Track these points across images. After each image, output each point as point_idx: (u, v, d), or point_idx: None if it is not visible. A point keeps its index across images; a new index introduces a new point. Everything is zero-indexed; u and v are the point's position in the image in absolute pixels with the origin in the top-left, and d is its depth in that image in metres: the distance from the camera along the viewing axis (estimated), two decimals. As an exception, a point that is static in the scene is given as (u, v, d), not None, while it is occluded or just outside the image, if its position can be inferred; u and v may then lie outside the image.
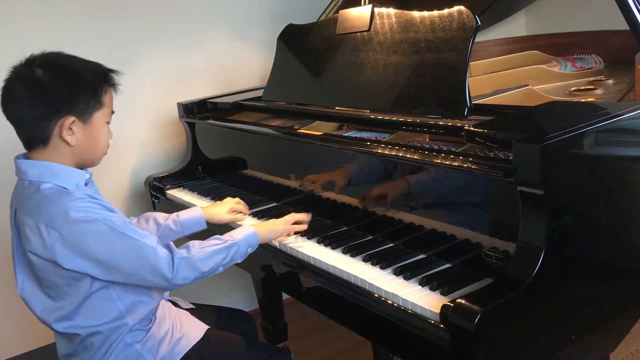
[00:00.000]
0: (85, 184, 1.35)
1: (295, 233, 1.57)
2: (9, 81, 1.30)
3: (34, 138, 1.30)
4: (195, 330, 1.49)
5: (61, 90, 1.28)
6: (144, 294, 1.40)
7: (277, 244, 1.56)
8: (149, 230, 1.62)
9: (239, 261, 1.45)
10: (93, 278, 1.29)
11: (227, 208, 1.74)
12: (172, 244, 1.36)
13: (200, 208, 1.71)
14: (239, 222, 1.72)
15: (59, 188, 1.29)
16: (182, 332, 1.46)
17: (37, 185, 1.29)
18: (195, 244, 1.38)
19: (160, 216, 1.66)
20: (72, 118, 1.29)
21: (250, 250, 1.47)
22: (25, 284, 1.34)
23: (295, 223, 1.56)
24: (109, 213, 1.28)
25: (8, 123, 1.33)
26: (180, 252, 1.35)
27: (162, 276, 1.30)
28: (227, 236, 1.45)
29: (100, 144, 1.37)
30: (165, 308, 1.49)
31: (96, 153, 1.37)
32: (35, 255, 1.26)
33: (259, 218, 1.76)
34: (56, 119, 1.28)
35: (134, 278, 1.31)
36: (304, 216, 1.57)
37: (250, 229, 1.49)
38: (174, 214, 1.67)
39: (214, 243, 1.41)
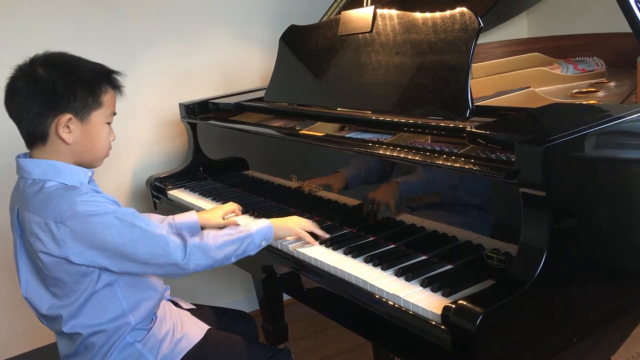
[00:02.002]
0: (88, 182, 1.35)
1: None
2: (13, 78, 1.31)
3: (33, 135, 1.31)
4: (195, 330, 1.49)
5: (58, 87, 1.28)
6: (147, 291, 1.41)
7: (278, 244, 1.56)
8: None
9: (252, 253, 1.45)
10: (101, 272, 1.29)
11: (221, 213, 1.74)
12: (185, 232, 1.38)
13: (196, 213, 1.72)
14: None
15: (65, 185, 1.29)
16: (182, 332, 1.46)
17: (42, 183, 1.29)
18: (209, 233, 1.39)
19: (157, 219, 1.66)
20: (69, 115, 1.29)
21: (264, 243, 1.48)
22: (30, 283, 1.34)
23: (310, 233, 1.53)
24: (115, 205, 1.30)
25: (8, 125, 1.33)
26: (194, 239, 1.36)
27: (174, 262, 1.31)
28: (242, 227, 1.46)
29: (99, 144, 1.36)
30: (166, 308, 1.49)
31: (95, 153, 1.37)
32: (46, 254, 1.26)
33: (255, 217, 1.76)
34: (53, 115, 1.28)
35: (147, 267, 1.32)
36: (321, 232, 1.53)
37: (266, 222, 1.49)
38: (170, 217, 1.67)
39: (228, 232, 1.42)
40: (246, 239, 1.43)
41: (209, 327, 1.53)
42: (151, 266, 1.32)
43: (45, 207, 1.26)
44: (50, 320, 1.37)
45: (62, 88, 1.28)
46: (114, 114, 1.39)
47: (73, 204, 1.24)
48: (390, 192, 1.47)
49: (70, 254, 1.25)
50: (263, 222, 1.49)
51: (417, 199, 1.42)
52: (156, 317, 1.44)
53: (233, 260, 1.42)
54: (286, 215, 1.59)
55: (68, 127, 1.30)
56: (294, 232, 1.52)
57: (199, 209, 1.94)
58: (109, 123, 1.38)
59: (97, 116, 1.34)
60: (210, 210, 1.79)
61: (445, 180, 1.35)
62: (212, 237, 1.38)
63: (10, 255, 1.38)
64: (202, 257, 1.35)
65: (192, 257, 1.33)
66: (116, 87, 1.38)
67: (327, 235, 1.53)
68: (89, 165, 1.38)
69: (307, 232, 1.52)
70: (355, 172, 1.58)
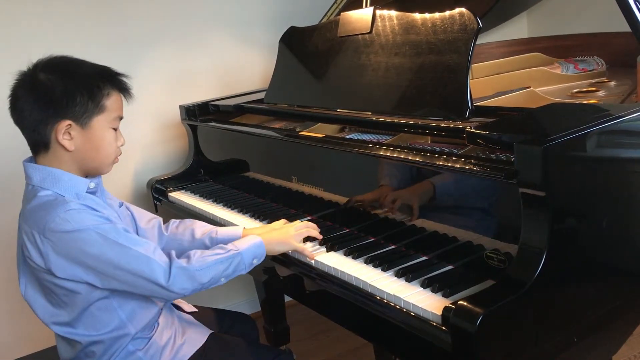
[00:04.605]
0: (93, 193, 1.33)
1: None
2: (15, 84, 1.29)
3: (36, 142, 1.29)
4: (197, 335, 1.48)
5: (56, 93, 1.25)
6: (145, 300, 1.38)
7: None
8: (182, 239, 1.55)
9: (244, 272, 1.38)
10: (91, 287, 1.26)
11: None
12: (173, 253, 1.31)
13: (242, 229, 1.57)
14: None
15: (57, 196, 1.26)
16: (184, 338, 1.45)
17: (36, 191, 1.27)
18: (196, 253, 1.32)
19: (199, 229, 1.55)
20: (68, 122, 1.26)
21: (256, 262, 1.40)
22: (28, 287, 1.33)
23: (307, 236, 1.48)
24: (102, 220, 1.25)
25: (13, 131, 1.32)
26: (180, 261, 1.29)
27: (158, 284, 1.25)
28: (231, 245, 1.38)
29: (103, 151, 1.32)
30: (167, 314, 1.48)
31: (99, 159, 1.32)
32: (34, 262, 1.25)
33: (256, 218, 1.76)
34: (52, 122, 1.25)
35: (131, 287, 1.27)
36: (316, 234, 1.49)
37: (256, 239, 1.41)
38: (213, 230, 1.55)
39: (216, 252, 1.34)
40: (235, 258, 1.35)
41: (211, 331, 1.52)
42: (134, 286, 1.26)
43: (33, 217, 1.24)
44: (45, 323, 1.36)
45: (60, 93, 1.25)
46: (121, 118, 1.35)
47: (56, 219, 1.21)
48: (411, 195, 1.43)
49: (53, 267, 1.22)
50: (253, 239, 1.41)
51: (427, 202, 1.40)
52: (158, 325, 1.42)
53: (223, 281, 1.34)
54: (286, 216, 1.57)
55: (69, 133, 1.26)
56: (291, 246, 1.45)
57: (199, 211, 1.94)
58: (115, 128, 1.33)
59: (100, 121, 1.29)
60: (263, 227, 1.64)
61: (445, 181, 1.34)
62: (198, 259, 1.30)
63: (9, 259, 1.38)
64: (187, 281, 1.28)
65: (176, 280, 1.26)
66: (122, 90, 1.33)
67: (320, 237, 1.49)
68: (96, 172, 1.34)
69: (304, 238, 1.47)
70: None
